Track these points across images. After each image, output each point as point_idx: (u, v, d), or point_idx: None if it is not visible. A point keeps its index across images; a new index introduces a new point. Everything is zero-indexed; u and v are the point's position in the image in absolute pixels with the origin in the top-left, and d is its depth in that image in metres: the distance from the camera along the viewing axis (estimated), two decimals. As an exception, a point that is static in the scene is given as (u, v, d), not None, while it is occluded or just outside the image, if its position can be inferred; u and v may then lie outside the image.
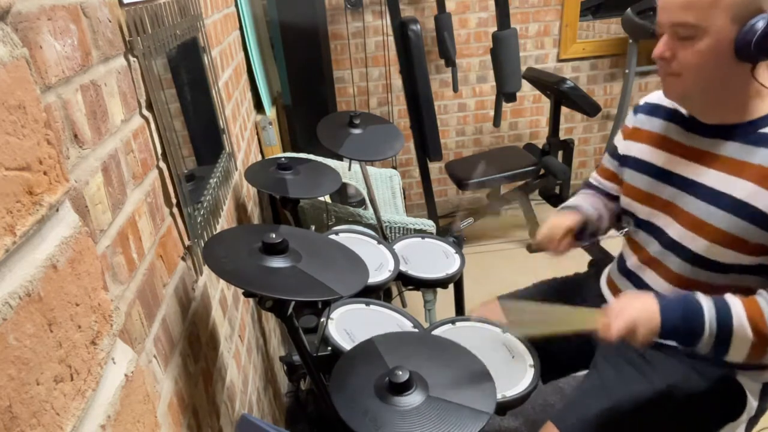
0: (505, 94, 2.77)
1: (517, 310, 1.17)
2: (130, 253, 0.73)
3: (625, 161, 1.22)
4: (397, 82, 3.02)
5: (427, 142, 2.70)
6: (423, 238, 1.71)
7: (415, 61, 2.53)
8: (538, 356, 1.16)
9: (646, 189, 1.15)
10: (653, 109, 1.19)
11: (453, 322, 1.27)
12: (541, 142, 3.00)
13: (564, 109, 2.98)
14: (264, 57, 2.49)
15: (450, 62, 2.87)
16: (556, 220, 1.23)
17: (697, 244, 1.04)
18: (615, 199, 1.30)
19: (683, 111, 1.12)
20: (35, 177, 0.39)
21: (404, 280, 1.51)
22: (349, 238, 1.61)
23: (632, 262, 1.21)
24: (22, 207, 0.37)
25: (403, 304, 2.33)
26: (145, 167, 0.83)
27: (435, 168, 3.32)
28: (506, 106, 3.20)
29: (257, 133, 2.27)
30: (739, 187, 0.97)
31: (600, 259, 1.48)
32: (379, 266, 1.47)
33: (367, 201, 2.27)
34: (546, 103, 3.18)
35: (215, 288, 1.18)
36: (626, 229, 1.24)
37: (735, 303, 0.95)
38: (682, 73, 0.97)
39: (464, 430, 0.81)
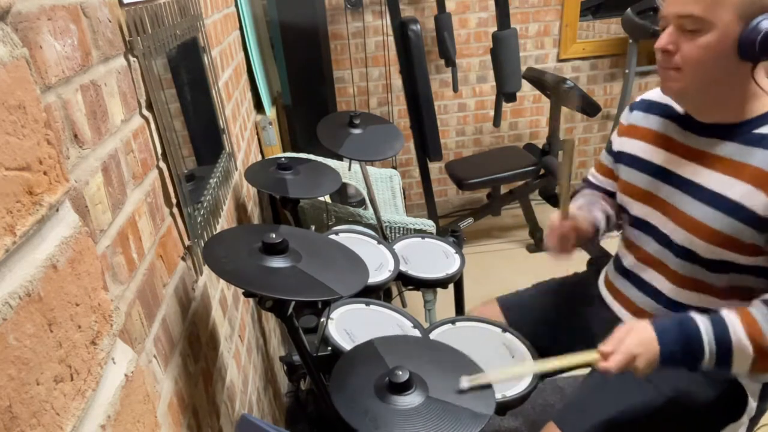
0: (505, 94, 2.77)
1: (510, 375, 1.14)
2: (130, 253, 0.73)
3: (620, 158, 1.22)
4: (397, 82, 3.02)
5: (427, 142, 2.70)
6: (423, 238, 1.71)
7: (415, 61, 2.53)
8: (538, 354, 1.16)
9: (643, 186, 1.15)
10: (650, 107, 1.19)
11: (453, 322, 1.27)
12: (541, 142, 3.00)
13: (564, 109, 2.98)
14: (264, 57, 2.49)
15: (450, 62, 2.87)
16: (571, 222, 1.18)
17: (693, 243, 1.04)
18: (611, 195, 1.30)
19: (680, 109, 1.12)
20: (35, 177, 0.39)
21: (404, 280, 1.51)
22: (349, 238, 1.61)
23: (629, 261, 1.21)
24: (22, 207, 0.37)
25: (403, 304, 2.33)
26: (145, 167, 0.83)
27: (435, 168, 3.32)
28: (506, 106, 3.20)
29: (257, 133, 2.27)
30: (736, 188, 0.97)
31: (598, 258, 1.47)
32: (379, 266, 1.46)
33: (367, 201, 2.27)
34: (546, 103, 3.18)
35: (215, 288, 1.18)
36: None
37: (732, 320, 0.95)
38: (683, 67, 0.96)
39: (464, 430, 0.81)
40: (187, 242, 1.00)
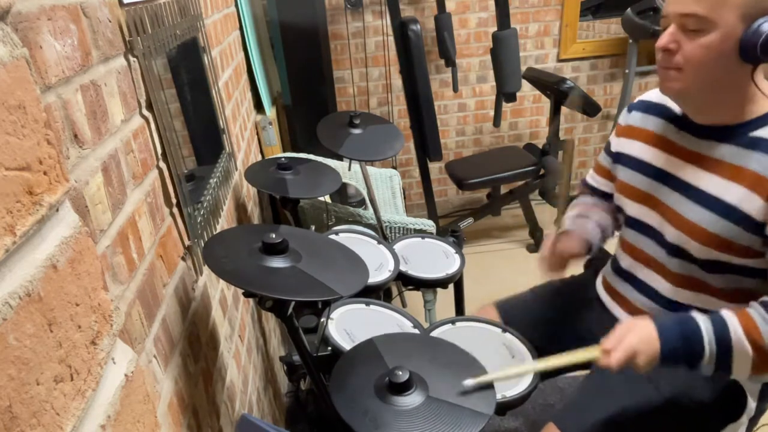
0: (505, 94, 2.77)
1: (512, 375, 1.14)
2: (130, 253, 0.73)
3: (618, 158, 1.22)
4: (397, 82, 3.02)
5: (427, 142, 2.70)
6: (423, 238, 1.71)
7: (415, 61, 2.53)
8: (538, 355, 1.16)
9: (640, 187, 1.15)
10: (648, 108, 1.18)
11: (453, 322, 1.27)
12: (541, 142, 3.00)
13: (564, 109, 2.98)
14: (264, 57, 2.49)
15: (450, 62, 2.87)
16: (562, 246, 1.20)
17: (687, 244, 1.04)
18: (610, 197, 1.30)
19: (677, 110, 1.12)
20: (35, 177, 0.39)
21: (404, 280, 1.51)
22: (349, 238, 1.61)
23: (627, 262, 1.21)
24: (22, 207, 0.37)
25: (403, 304, 2.33)
26: (145, 167, 0.83)
27: (435, 168, 3.32)
28: (506, 106, 3.20)
29: (257, 133, 2.27)
30: (732, 191, 0.97)
31: (596, 260, 1.47)
32: (379, 266, 1.46)
33: (367, 201, 2.27)
34: (546, 103, 3.18)
35: (215, 288, 1.18)
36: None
37: (731, 319, 0.94)
38: (684, 67, 0.95)
39: (464, 430, 0.81)
40: (187, 242, 1.00)
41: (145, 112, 0.86)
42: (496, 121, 2.99)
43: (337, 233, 1.63)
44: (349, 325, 1.21)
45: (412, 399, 0.85)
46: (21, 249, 0.37)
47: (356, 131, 1.66)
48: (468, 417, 0.83)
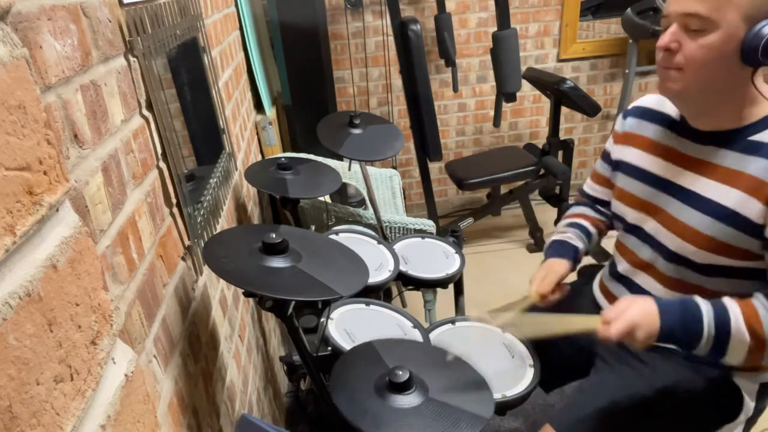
0: (505, 94, 2.77)
1: (515, 320, 1.16)
2: (130, 253, 0.73)
3: (618, 166, 1.22)
4: (397, 82, 3.02)
5: (427, 142, 2.70)
6: (423, 238, 1.71)
7: (415, 61, 2.53)
8: (534, 362, 1.16)
9: (639, 195, 1.15)
10: (643, 114, 1.18)
11: (453, 322, 1.27)
12: (541, 142, 3.00)
13: (564, 109, 2.98)
14: (264, 57, 2.49)
15: (450, 62, 2.87)
16: (548, 272, 1.21)
17: (685, 249, 1.04)
18: (608, 204, 1.30)
19: (675, 116, 1.11)
20: (35, 177, 0.39)
21: (404, 280, 1.51)
22: (349, 238, 1.61)
23: (624, 266, 1.21)
24: (22, 207, 0.37)
25: (403, 304, 2.33)
26: (145, 167, 0.83)
27: (435, 168, 3.32)
28: (506, 106, 3.20)
29: (257, 133, 2.27)
30: (731, 196, 0.97)
31: (590, 267, 1.48)
32: (379, 266, 1.47)
33: (367, 201, 2.27)
34: (546, 103, 3.18)
35: (215, 288, 1.18)
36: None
37: (733, 306, 0.95)
38: (685, 67, 0.95)
39: (463, 430, 0.81)
40: (187, 242, 1.00)
41: (145, 112, 0.86)
42: (496, 121, 2.99)
43: (337, 233, 1.63)
44: (349, 325, 1.21)
45: (412, 399, 0.85)
46: (21, 249, 0.37)
47: (356, 131, 1.66)
48: (468, 417, 0.83)
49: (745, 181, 0.96)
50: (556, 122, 2.87)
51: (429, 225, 1.98)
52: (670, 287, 1.10)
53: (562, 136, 3.18)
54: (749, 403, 1.09)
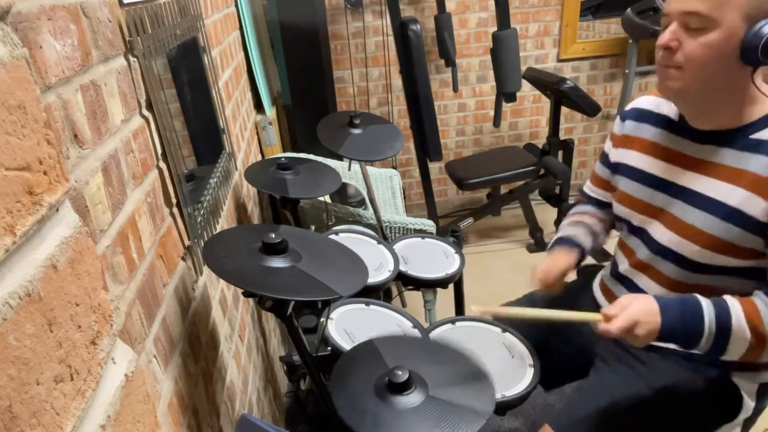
0: (505, 94, 2.77)
1: (515, 314, 1.16)
2: (130, 253, 0.73)
3: (617, 169, 1.22)
4: (397, 82, 3.02)
5: (427, 142, 2.70)
6: (423, 238, 1.71)
7: (415, 61, 2.53)
8: (534, 362, 1.16)
9: (641, 197, 1.14)
10: (641, 115, 1.18)
11: (453, 322, 1.27)
12: (541, 142, 3.00)
13: (564, 109, 2.98)
14: (264, 57, 2.49)
15: (450, 62, 2.87)
16: (553, 263, 1.21)
17: (689, 249, 1.04)
18: (608, 206, 1.30)
19: (673, 116, 1.11)
20: (35, 177, 0.39)
21: (404, 280, 1.51)
22: (349, 238, 1.61)
23: (625, 266, 1.21)
24: (22, 207, 0.37)
25: (403, 304, 2.33)
26: (145, 167, 0.83)
27: (435, 168, 3.32)
28: (506, 106, 3.20)
29: (257, 133, 2.27)
30: (734, 194, 0.97)
31: (589, 267, 1.48)
32: (379, 266, 1.47)
33: (367, 201, 2.27)
34: (546, 103, 3.18)
35: (215, 288, 1.18)
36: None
37: (734, 304, 0.95)
38: (685, 66, 0.95)
39: (463, 430, 0.81)
40: (187, 242, 1.00)
41: (145, 112, 0.86)
42: (496, 121, 3.00)
43: (337, 233, 1.63)
44: (349, 325, 1.21)
45: (412, 399, 0.85)
46: (21, 249, 0.37)
47: (356, 131, 1.66)
48: (468, 417, 0.83)
49: (748, 178, 0.96)
50: (556, 122, 2.87)
51: (429, 225, 1.98)
52: (671, 288, 1.10)
53: (562, 136, 3.19)
54: (749, 403, 1.09)
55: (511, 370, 1.13)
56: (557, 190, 2.94)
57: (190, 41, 1.22)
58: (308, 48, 2.40)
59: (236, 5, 2.06)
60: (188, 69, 1.19)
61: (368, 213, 1.97)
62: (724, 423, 1.09)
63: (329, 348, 1.13)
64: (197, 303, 1.02)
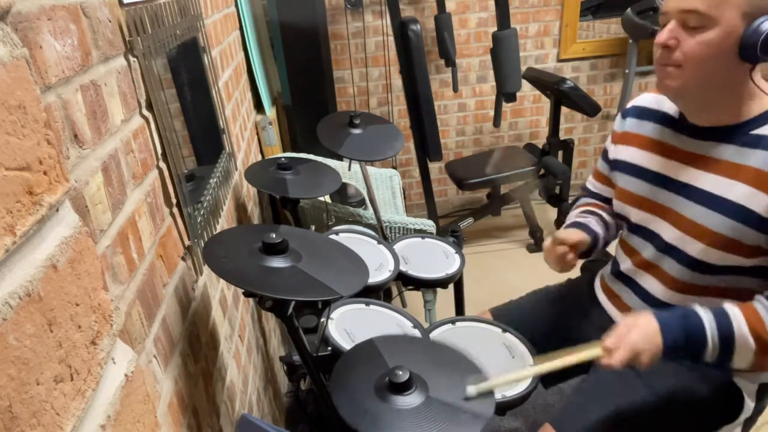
0: (505, 94, 2.77)
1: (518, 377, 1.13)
2: (130, 253, 0.73)
3: (616, 165, 1.22)
4: (397, 82, 3.02)
5: (427, 142, 2.70)
6: (423, 238, 1.71)
7: (415, 61, 2.53)
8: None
9: (641, 193, 1.14)
10: (642, 113, 1.18)
11: (453, 322, 1.27)
12: (541, 142, 3.00)
13: (564, 109, 2.98)
14: (264, 57, 2.49)
15: (450, 62, 2.87)
16: (564, 234, 1.18)
17: (693, 247, 1.03)
18: (610, 201, 1.30)
19: (673, 113, 1.11)
20: (35, 177, 0.39)
21: (404, 280, 1.51)
22: (349, 238, 1.61)
23: (627, 266, 1.20)
24: (22, 207, 0.37)
25: (403, 304, 2.33)
26: (145, 167, 0.83)
27: (435, 168, 3.32)
28: (506, 106, 3.20)
29: (257, 133, 2.27)
30: (736, 190, 0.97)
31: (593, 263, 1.48)
32: (379, 266, 1.46)
33: (367, 201, 2.27)
34: (546, 103, 3.18)
35: (215, 288, 1.18)
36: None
37: (735, 313, 0.94)
38: (683, 64, 0.95)
39: (464, 430, 0.81)
40: (187, 242, 1.00)
41: (145, 112, 0.86)
42: (496, 121, 3.00)
43: (337, 233, 1.63)
44: (349, 325, 1.21)
45: (412, 399, 0.85)
46: (21, 249, 0.37)
47: (356, 131, 1.66)
48: (468, 417, 0.83)
49: (749, 174, 0.95)
50: (556, 122, 2.87)
51: (429, 225, 1.98)
52: (672, 287, 1.09)
53: (562, 136, 3.19)
54: (749, 404, 1.09)
55: (512, 370, 1.13)
56: (557, 190, 2.94)
57: (190, 41, 1.22)
58: (308, 48, 2.40)
59: (236, 5, 2.06)
60: (188, 69, 1.19)
61: (368, 213, 1.97)
62: (725, 424, 1.09)
63: (329, 348, 1.13)
64: (197, 303, 1.02)
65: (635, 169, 1.16)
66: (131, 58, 0.82)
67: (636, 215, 1.16)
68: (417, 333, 1.20)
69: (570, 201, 2.88)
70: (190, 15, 1.23)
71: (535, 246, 3.00)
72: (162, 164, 0.91)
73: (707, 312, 0.95)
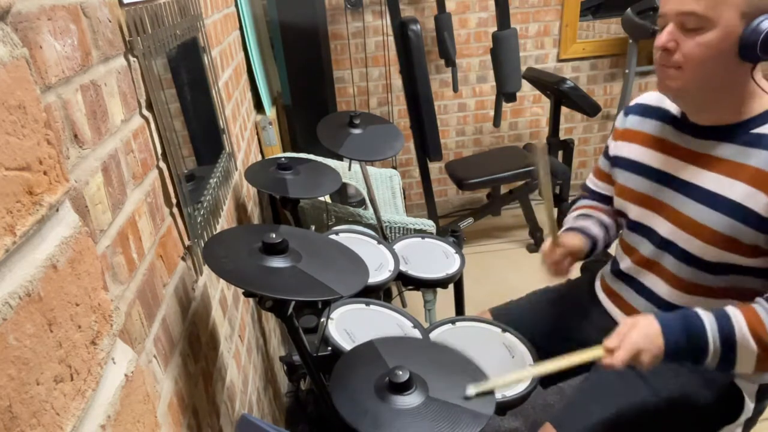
0: (505, 94, 2.77)
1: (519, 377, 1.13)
2: (130, 253, 0.73)
3: (616, 162, 1.22)
4: (397, 82, 3.02)
5: (427, 142, 2.70)
6: (423, 238, 1.71)
7: (415, 61, 2.53)
8: (537, 357, 1.16)
9: (640, 190, 1.14)
10: (645, 110, 1.18)
11: (453, 322, 1.27)
12: (541, 142, 2.99)
13: (564, 109, 2.98)
14: (264, 57, 2.49)
15: (450, 62, 2.87)
16: (564, 240, 1.18)
17: (691, 244, 1.03)
18: (611, 200, 1.30)
19: (675, 112, 1.11)
20: (35, 177, 0.39)
21: (404, 280, 1.51)
22: (349, 238, 1.61)
23: (626, 264, 1.20)
24: (22, 207, 0.37)
25: (403, 304, 2.33)
26: (145, 167, 0.83)
27: (435, 168, 3.32)
28: (506, 106, 3.20)
29: (257, 133, 2.27)
30: (735, 189, 0.97)
31: (593, 263, 1.47)
32: (379, 266, 1.46)
33: (367, 201, 2.27)
34: (546, 103, 3.18)
35: (215, 288, 1.18)
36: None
37: (736, 315, 0.94)
38: (683, 66, 0.95)
39: (464, 430, 0.81)
40: (187, 242, 1.00)
41: (145, 112, 0.86)
42: (496, 121, 3.00)
43: (337, 233, 1.63)
44: (349, 325, 1.21)
45: (412, 399, 0.85)
46: (21, 249, 0.37)
47: (356, 131, 1.66)
48: (468, 417, 0.83)
49: (749, 173, 0.95)
50: (556, 122, 2.87)
51: (429, 225, 1.98)
52: (675, 287, 1.09)
53: (562, 136, 3.19)
54: (749, 404, 1.09)
55: (512, 370, 1.13)
56: (557, 190, 2.94)
57: (190, 41, 1.22)
58: (308, 48, 2.40)
59: (236, 5, 2.06)
60: (188, 69, 1.19)
61: (368, 213, 1.97)
62: (726, 424, 1.09)
63: (329, 348, 1.13)
64: (197, 303, 1.02)
65: (636, 165, 1.16)
66: (131, 58, 0.82)
67: (635, 212, 1.16)
68: (417, 333, 1.20)
69: (570, 201, 2.88)
70: (190, 15, 1.23)
71: (535, 246, 3.00)
72: (162, 164, 0.91)
73: (708, 314, 0.95)
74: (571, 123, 3.39)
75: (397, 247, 1.62)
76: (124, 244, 0.71)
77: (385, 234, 1.92)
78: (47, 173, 0.41)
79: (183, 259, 0.97)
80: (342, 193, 2.39)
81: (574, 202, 1.42)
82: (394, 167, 3.08)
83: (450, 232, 1.74)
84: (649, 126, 1.16)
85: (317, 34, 2.41)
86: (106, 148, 0.69)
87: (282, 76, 2.44)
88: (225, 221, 1.37)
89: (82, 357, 0.42)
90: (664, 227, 1.09)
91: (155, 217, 0.85)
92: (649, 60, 3.04)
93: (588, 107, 2.64)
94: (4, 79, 0.36)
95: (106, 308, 0.47)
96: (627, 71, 2.99)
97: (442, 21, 2.79)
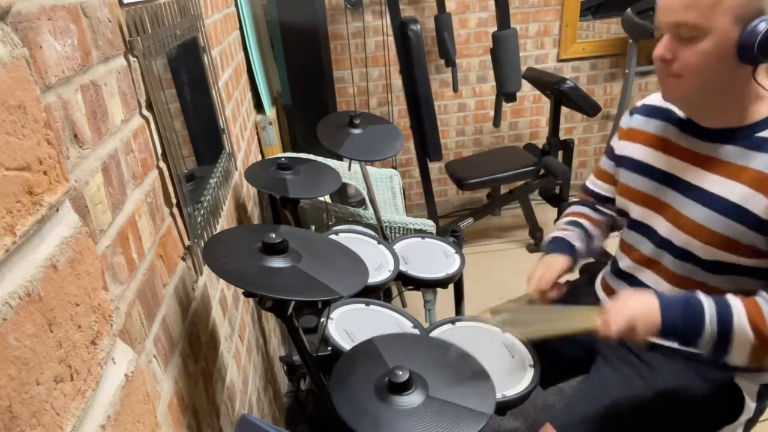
0: (505, 94, 2.77)
1: (514, 313, 1.16)
2: (130, 253, 0.73)
3: (621, 161, 1.22)
4: (397, 82, 3.02)
5: (427, 142, 2.70)
6: (423, 238, 1.71)
7: (415, 61, 2.53)
8: (537, 363, 1.16)
9: (642, 190, 1.15)
10: (651, 111, 1.18)
11: (453, 322, 1.27)
12: (541, 142, 3.00)
13: (564, 109, 2.98)
14: (264, 57, 2.49)
15: (450, 62, 2.87)
16: (547, 269, 1.20)
17: (691, 245, 1.03)
18: (610, 201, 1.30)
19: (681, 114, 1.12)
20: (35, 177, 0.39)
21: (404, 280, 1.51)
22: (349, 238, 1.61)
23: (626, 263, 1.21)
24: (22, 207, 0.37)
25: (403, 304, 2.33)
26: (145, 167, 0.83)
27: (435, 168, 3.32)
28: (506, 106, 3.20)
29: (257, 133, 2.27)
30: (735, 190, 0.97)
31: (592, 265, 1.48)
32: (379, 266, 1.46)
33: (367, 201, 2.27)
34: (546, 103, 3.18)
35: (215, 288, 1.18)
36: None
37: (736, 303, 0.94)
38: (683, 74, 0.95)
39: (464, 430, 0.81)
40: (187, 242, 1.00)
41: (145, 112, 0.86)
42: (496, 121, 3.00)
43: (337, 233, 1.63)
44: (349, 325, 1.21)
45: (412, 399, 0.85)
46: (21, 249, 0.37)
47: (356, 131, 1.66)
48: (468, 417, 0.83)
49: (750, 175, 0.96)
50: (556, 122, 2.87)
51: (429, 225, 1.98)
52: (676, 284, 1.09)
53: (562, 136, 3.18)
54: (750, 404, 1.09)
55: (512, 370, 1.13)
56: (557, 190, 2.94)
57: (190, 41, 1.22)
58: (308, 48, 2.40)
59: (236, 5, 2.06)
60: (188, 69, 1.19)
61: (368, 213, 1.97)
62: (726, 424, 1.09)
63: (329, 348, 1.13)
64: (197, 303, 1.02)
65: (638, 165, 1.16)
66: (131, 58, 0.82)
67: (636, 211, 1.16)
68: (417, 333, 1.20)
69: (570, 201, 2.88)
70: (190, 15, 1.23)
71: (535, 246, 3.00)
72: (162, 164, 0.91)
73: (708, 298, 0.96)
74: (571, 123, 3.39)
75: (397, 247, 1.62)
76: (124, 244, 0.71)
77: (385, 234, 1.92)
78: (47, 173, 0.41)
79: (183, 259, 0.97)
80: (342, 193, 2.39)
81: (570, 205, 1.42)
82: (394, 167, 3.08)
83: (450, 232, 1.74)
84: (653, 126, 1.16)
85: (317, 34, 2.41)
86: (106, 148, 0.69)
87: (282, 76, 2.44)
88: (225, 221, 1.37)
89: (82, 357, 0.42)
90: (663, 227, 1.09)
91: (155, 217, 0.85)
92: (649, 60, 3.03)
93: (588, 107, 2.64)
94: (4, 79, 0.36)
95: (106, 308, 0.47)
96: (627, 71, 2.99)
97: (442, 21, 2.79)
